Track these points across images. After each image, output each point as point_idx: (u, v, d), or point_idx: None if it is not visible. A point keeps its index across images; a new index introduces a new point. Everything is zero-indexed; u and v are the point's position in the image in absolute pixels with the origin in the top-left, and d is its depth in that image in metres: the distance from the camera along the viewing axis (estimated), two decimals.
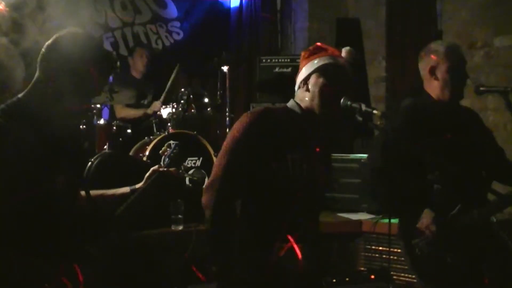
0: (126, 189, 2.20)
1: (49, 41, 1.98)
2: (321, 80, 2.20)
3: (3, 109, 1.88)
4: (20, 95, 1.95)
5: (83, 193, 2.09)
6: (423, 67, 2.83)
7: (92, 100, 2.14)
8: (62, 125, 1.97)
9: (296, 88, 2.30)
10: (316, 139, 2.27)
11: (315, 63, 2.23)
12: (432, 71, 2.77)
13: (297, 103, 2.27)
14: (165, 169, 2.20)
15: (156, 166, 2.22)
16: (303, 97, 2.25)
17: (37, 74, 1.97)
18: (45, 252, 1.81)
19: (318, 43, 2.33)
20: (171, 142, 2.27)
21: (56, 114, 1.93)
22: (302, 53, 2.32)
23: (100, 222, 2.05)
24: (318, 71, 2.22)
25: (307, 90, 2.23)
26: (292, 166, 2.15)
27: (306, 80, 2.24)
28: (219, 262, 2.12)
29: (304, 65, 2.28)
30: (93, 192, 2.12)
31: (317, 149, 2.25)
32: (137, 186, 2.20)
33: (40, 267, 1.79)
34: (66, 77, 1.92)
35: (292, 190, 2.16)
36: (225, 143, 2.19)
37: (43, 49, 1.98)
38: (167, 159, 2.21)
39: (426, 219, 2.59)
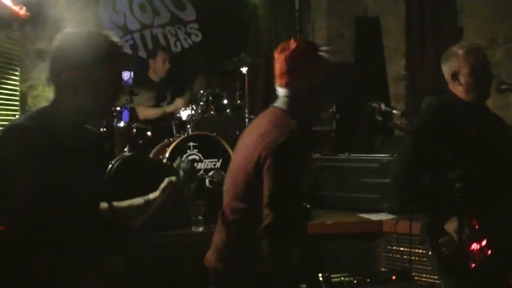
0: (140, 201, 2.17)
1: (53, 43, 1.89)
2: None
3: (30, 115, 1.87)
4: (47, 103, 1.93)
5: (104, 205, 2.08)
6: (446, 71, 2.78)
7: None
8: (79, 129, 1.96)
9: None
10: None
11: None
12: (455, 76, 2.73)
13: None
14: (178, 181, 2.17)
15: (173, 178, 2.18)
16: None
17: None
18: (66, 259, 1.82)
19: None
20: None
21: (72, 121, 1.91)
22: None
23: (120, 232, 2.07)
24: None
25: None
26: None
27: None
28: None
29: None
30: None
31: None
32: (151, 196, 2.17)
33: (61, 273, 1.80)
34: (79, 77, 1.85)
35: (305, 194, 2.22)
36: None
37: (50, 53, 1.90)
38: (181, 171, 2.19)
39: (455, 223, 2.51)
